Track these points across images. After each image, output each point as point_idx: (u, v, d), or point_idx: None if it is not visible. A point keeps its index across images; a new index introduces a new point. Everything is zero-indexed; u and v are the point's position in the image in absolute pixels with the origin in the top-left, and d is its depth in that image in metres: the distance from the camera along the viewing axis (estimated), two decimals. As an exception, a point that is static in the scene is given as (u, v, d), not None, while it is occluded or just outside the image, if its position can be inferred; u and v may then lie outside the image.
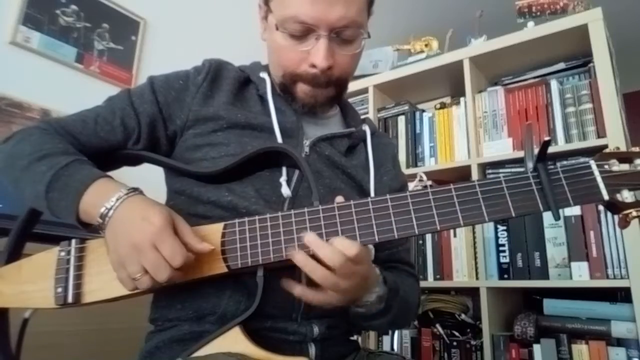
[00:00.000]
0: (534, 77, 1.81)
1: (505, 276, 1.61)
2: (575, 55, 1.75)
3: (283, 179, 0.76)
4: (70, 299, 0.68)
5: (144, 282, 0.61)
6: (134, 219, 0.62)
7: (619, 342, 1.41)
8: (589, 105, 1.60)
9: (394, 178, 0.94)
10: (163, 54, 2.18)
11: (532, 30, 1.75)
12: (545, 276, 1.53)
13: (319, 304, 0.67)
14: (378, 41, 1.69)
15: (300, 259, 0.63)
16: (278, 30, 0.78)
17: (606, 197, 0.63)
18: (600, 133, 1.55)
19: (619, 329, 1.39)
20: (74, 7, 1.88)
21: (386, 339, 1.86)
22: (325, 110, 0.91)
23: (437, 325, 1.77)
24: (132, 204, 0.64)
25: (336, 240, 0.63)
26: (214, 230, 0.69)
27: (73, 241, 0.72)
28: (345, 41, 0.79)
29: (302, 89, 0.81)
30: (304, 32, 0.76)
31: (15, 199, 0.78)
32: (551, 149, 1.59)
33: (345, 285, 0.64)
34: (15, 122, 1.61)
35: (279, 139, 0.80)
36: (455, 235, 1.78)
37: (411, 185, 1.89)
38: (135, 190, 0.67)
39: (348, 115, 0.97)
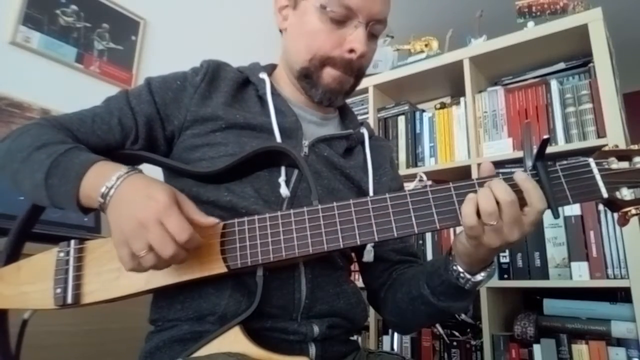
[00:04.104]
0: (534, 77, 1.80)
1: (505, 276, 1.61)
2: (575, 55, 1.74)
3: (282, 179, 0.76)
4: (69, 300, 0.68)
5: (148, 260, 0.60)
6: (138, 196, 0.62)
7: (619, 342, 1.41)
8: (589, 105, 1.60)
9: (393, 179, 0.95)
10: (163, 54, 2.18)
11: (532, 30, 1.75)
12: (545, 276, 1.53)
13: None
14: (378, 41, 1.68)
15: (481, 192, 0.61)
16: (318, 13, 0.80)
17: (605, 195, 0.63)
18: (600, 133, 1.55)
19: (619, 329, 1.39)
20: (74, 7, 1.88)
21: (386, 339, 1.86)
22: (340, 102, 0.92)
23: (437, 325, 1.77)
24: (134, 181, 0.64)
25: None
26: (214, 230, 0.68)
27: (72, 242, 0.72)
28: (373, 36, 0.84)
29: (330, 73, 0.83)
30: (345, 18, 0.80)
31: (15, 199, 0.78)
32: (551, 149, 1.59)
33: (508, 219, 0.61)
34: (15, 122, 1.62)
35: (278, 139, 0.80)
36: (455, 235, 1.77)
37: (411, 185, 1.89)
38: (135, 169, 0.67)
39: (347, 118, 0.97)
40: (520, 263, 1.59)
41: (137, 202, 0.61)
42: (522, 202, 0.62)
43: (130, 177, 0.65)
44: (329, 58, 0.82)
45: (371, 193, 0.87)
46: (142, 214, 0.59)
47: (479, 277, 0.71)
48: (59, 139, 0.73)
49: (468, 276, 0.71)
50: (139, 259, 0.60)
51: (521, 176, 0.63)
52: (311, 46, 0.82)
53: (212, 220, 0.65)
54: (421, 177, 1.90)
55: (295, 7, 0.85)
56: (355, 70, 0.84)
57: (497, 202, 0.61)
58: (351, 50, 0.80)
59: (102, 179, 0.65)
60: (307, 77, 0.85)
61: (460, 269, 0.71)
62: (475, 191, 0.64)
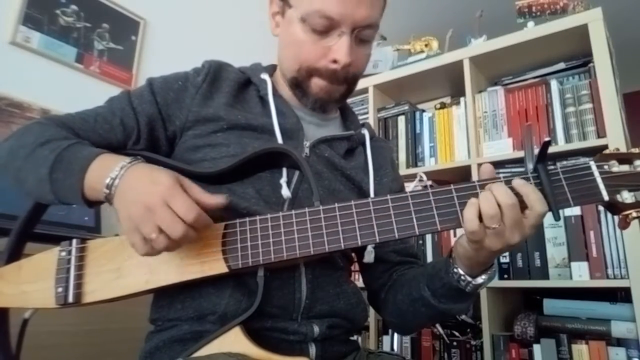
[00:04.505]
0: (534, 77, 1.80)
1: (505, 276, 1.61)
2: (575, 55, 1.74)
3: (283, 180, 0.77)
4: (70, 299, 0.68)
5: (159, 242, 0.60)
6: (142, 182, 0.63)
7: (619, 342, 1.41)
8: (589, 105, 1.60)
9: (394, 180, 0.95)
10: (163, 54, 2.18)
11: (532, 30, 1.75)
12: (545, 276, 1.53)
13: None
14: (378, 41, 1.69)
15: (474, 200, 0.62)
16: (300, 24, 0.78)
17: (606, 197, 0.63)
18: (600, 133, 1.55)
19: (619, 329, 1.39)
20: (74, 7, 1.88)
21: (386, 339, 1.86)
22: (334, 107, 0.91)
23: (437, 325, 1.77)
24: (138, 170, 0.65)
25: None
26: (215, 230, 0.69)
27: (74, 241, 0.72)
28: (363, 41, 0.81)
29: (317, 83, 0.82)
30: (327, 28, 0.77)
31: (16, 199, 0.78)
32: (551, 149, 1.59)
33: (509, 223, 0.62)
34: (15, 122, 1.62)
35: (280, 140, 0.80)
36: (455, 235, 1.77)
37: (411, 185, 1.89)
38: (138, 158, 0.68)
39: (348, 119, 0.97)
40: (520, 263, 1.59)
41: (142, 187, 0.62)
42: (522, 206, 0.62)
43: (133, 166, 0.66)
44: (314, 69, 0.81)
45: (372, 194, 0.87)
46: (148, 198, 0.60)
47: (480, 279, 0.71)
48: (62, 135, 0.73)
49: (469, 279, 0.71)
50: (151, 242, 0.61)
51: (519, 182, 0.63)
52: (297, 57, 0.82)
53: (219, 199, 0.65)
54: (421, 177, 1.90)
55: (283, 15, 0.84)
56: (342, 79, 0.82)
57: (499, 205, 0.61)
58: (335, 61, 0.79)
59: (106, 170, 0.65)
60: (297, 86, 0.85)
61: (461, 272, 0.71)
62: (476, 193, 0.64)
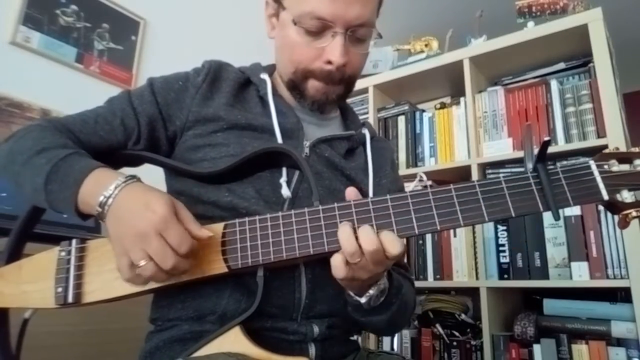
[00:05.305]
0: (534, 77, 1.80)
1: (505, 276, 1.61)
2: (575, 55, 1.75)
3: (283, 180, 0.77)
4: (70, 299, 0.68)
5: (147, 270, 0.60)
6: (137, 207, 0.62)
7: (619, 342, 1.41)
8: (589, 105, 1.60)
9: (393, 181, 0.95)
10: (163, 54, 2.18)
11: (532, 30, 1.75)
12: (545, 276, 1.53)
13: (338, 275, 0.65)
14: (378, 41, 1.69)
15: (343, 232, 0.63)
16: (294, 26, 0.78)
17: (606, 197, 0.64)
18: (600, 133, 1.55)
19: (619, 329, 1.39)
20: (74, 7, 1.88)
21: (386, 339, 1.86)
22: (332, 108, 0.91)
23: (437, 325, 1.77)
24: (132, 191, 0.64)
25: (384, 234, 0.63)
26: (215, 230, 0.69)
27: (74, 241, 0.72)
28: (358, 40, 0.81)
29: (313, 85, 0.82)
30: (321, 29, 0.77)
31: (17, 200, 0.78)
32: (551, 149, 1.59)
33: (370, 268, 0.64)
34: (15, 122, 1.62)
35: (280, 140, 0.80)
36: (455, 235, 1.78)
37: (411, 185, 1.89)
38: (133, 178, 0.67)
39: (348, 118, 0.97)
40: (520, 263, 1.59)
41: (136, 212, 0.61)
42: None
43: (128, 186, 0.65)
44: (310, 71, 0.81)
45: (371, 195, 0.87)
46: (141, 225, 0.60)
47: (364, 298, 0.71)
48: (60, 143, 0.73)
49: (356, 297, 0.72)
50: (138, 268, 0.60)
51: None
52: (293, 59, 0.82)
53: (205, 232, 0.64)
54: (421, 177, 1.90)
55: (278, 18, 0.84)
56: (338, 80, 0.82)
57: (362, 249, 0.62)
58: (329, 62, 0.79)
59: (100, 187, 0.65)
60: (294, 88, 0.85)
61: (349, 292, 0.72)
62: (476, 193, 0.64)
